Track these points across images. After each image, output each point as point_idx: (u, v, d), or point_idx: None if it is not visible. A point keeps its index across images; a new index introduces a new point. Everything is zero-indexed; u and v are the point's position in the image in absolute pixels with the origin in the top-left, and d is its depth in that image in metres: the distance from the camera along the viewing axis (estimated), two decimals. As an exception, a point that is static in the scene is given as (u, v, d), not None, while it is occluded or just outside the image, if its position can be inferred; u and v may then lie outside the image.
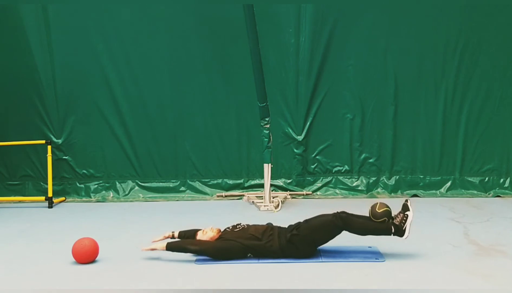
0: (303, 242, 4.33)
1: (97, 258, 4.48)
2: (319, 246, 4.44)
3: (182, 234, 4.69)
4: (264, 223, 4.75)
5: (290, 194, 7.37)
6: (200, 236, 4.55)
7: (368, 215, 4.38)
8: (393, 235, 4.28)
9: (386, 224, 4.31)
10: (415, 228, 5.44)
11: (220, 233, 4.55)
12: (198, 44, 7.25)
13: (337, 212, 4.37)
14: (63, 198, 7.58)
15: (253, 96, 6.82)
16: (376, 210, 4.35)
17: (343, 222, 4.28)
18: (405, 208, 4.37)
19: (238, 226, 4.55)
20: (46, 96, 7.51)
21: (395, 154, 7.46)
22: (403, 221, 4.27)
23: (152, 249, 4.51)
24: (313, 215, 4.58)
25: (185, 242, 4.51)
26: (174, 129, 7.53)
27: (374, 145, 7.46)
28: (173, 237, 4.68)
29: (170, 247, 4.44)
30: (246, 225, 4.56)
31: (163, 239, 4.65)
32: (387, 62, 7.26)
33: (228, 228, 4.59)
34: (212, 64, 7.31)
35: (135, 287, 3.85)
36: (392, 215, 4.38)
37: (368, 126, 7.43)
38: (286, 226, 4.57)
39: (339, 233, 4.36)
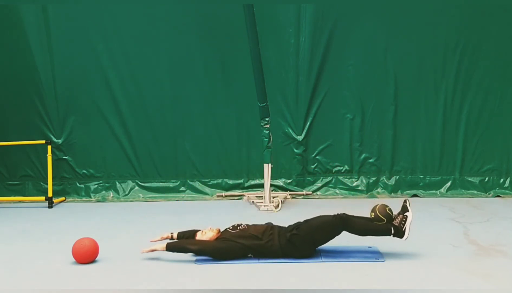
0: (303, 242, 4.33)
1: (97, 258, 4.48)
2: (318, 246, 4.44)
3: (181, 235, 4.68)
4: (264, 223, 4.74)
5: (290, 194, 7.37)
6: (199, 237, 4.55)
7: (369, 216, 4.38)
8: (393, 236, 4.30)
9: (386, 225, 4.32)
10: (415, 228, 5.45)
11: (220, 233, 4.55)
12: (198, 44, 7.25)
13: (338, 213, 4.37)
14: (63, 198, 7.58)
15: (253, 96, 6.82)
16: (377, 211, 4.35)
17: (343, 222, 4.28)
18: (405, 209, 4.38)
19: (238, 227, 4.55)
20: (46, 96, 7.51)
21: (395, 154, 7.46)
22: (403, 222, 4.29)
23: (152, 250, 4.51)
24: (313, 215, 4.57)
25: (185, 242, 4.51)
26: (174, 129, 7.53)
27: (374, 145, 7.47)
28: (171, 238, 4.68)
29: (169, 247, 4.44)
30: (246, 225, 4.56)
31: (161, 240, 4.64)
32: (387, 62, 7.26)
33: (229, 228, 4.59)
34: (212, 64, 7.32)
35: (135, 287, 3.85)
36: (392, 216, 4.38)
37: (368, 126, 7.43)
38: (286, 226, 4.57)
39: (339, 233, 4.36)
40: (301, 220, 4.53)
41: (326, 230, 4.33)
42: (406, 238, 4.28)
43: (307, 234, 4.33)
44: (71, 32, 7.31)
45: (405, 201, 4.45)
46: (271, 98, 6.94)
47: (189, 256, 4.50)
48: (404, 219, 4.30)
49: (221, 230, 4.60)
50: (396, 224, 4.30)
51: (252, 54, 6.40)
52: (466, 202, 6.95)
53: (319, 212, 4.53)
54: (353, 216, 4.38)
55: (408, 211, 4.35)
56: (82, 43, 7.33)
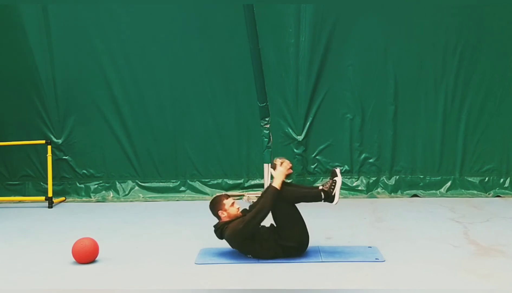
0: (290, 239, 4.32)
1: (97, 258, 4.48)
2: (301, 228, 4.37)
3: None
4: (264, 223, 4.72)
5: (290, 194, 7.36)
6: (227, 203, 4.42)
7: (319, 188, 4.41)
8: (324, 201, 4.36)
9: (316, 191, 4.39)
10: (415, 228, 5.47)
11: (239, 213, 4.47)
12: (198, 44, 7.25)
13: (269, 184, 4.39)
14: (63, 198, 7.58)
15: (253, 96, 6.83)
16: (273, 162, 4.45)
17: (280, 194, 4.28)
18: (333, 174, 4.43)
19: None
20: (46, 96, 7.51)
21: (395, 154, 7.46)
22: (332, 187, 4.36)
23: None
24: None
25: (270, 205, 4.31)
26: (174, 130, 7.53)
27: (374, 145, 7.46)
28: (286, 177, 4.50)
29: (271, 193, 4.29)
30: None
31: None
32: (387, 62, 7.26)
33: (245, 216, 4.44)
34: (212, 64, 7.31)
35: (135, 287, 3.86)
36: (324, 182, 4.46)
37: (368, 126, 7.43)
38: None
39: (290, 205, 4.33)
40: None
41: (283, 212, 4.32)
42: (336, 203, 4.36)
43: (283, 230, 4.33)
44: (71, 32, 7.31)
45: (334, 168, 4.50)
46: (271, 98, 6.94)
47: (189, 255, 4.50)
48: (333, 184, 4.37)
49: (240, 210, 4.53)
50: (326, 189, 4.36)
51: (252, 54, 6.40)
52: (466, 202, 6.95)
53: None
54: (287, 184, 4.40)
55: (337, 175, 4.40)
56: (82, 43, 7.33)
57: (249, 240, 4.32)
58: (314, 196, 4.39)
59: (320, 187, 4.44)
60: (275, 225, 4.46)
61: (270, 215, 4.32)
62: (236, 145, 7.54)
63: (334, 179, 4.40)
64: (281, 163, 4.44)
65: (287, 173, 4.42)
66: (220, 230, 4.41)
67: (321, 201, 4.37)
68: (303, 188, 4.66)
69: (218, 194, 4.52)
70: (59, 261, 4.48)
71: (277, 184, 4.33)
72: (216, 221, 4.54)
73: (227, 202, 4.46)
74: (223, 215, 4.43)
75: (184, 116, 7.49)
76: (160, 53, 7.33)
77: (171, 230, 5.65)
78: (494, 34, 7.11)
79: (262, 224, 4.40)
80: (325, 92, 7.37)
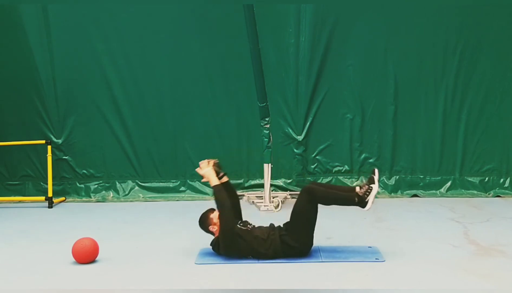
0: (294, 238, 4.32)
1: (97, 258, 4.48)
2: (309, 232, 4.38)
3: (225, 187, 4.60)
4: (264, 223, 4.71)
5: (290, 194, 7.36)
6: (214, 215, 4.46)
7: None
8: (356, 205, 4.35)
9: (350, 195, 4.38)
10: (415, 228, 5.47)
11: None
12: (198, 44, 7.25)
13: (305, 186, 4.40)
14: (63, 198, 7.58)
15: (253, 96, 6.82)
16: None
17: (311, 195, 4.31)
18: (371, 180, 4.41)
19: (247, 225, 4.50)
20: (46, 96, 7.51)
21: (395, 154, 7.46)
22: (367, 193, 4.34)
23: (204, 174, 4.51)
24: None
25: (226, 196, 4.42)
26: (174, 130, 7.53)
27: (374, 145, 7.46)
28: (218, 174, 4.61)
29: (215, 191, 4.44)
30: (253, 225, 4.53)
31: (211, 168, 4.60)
32: (387, 62, 7.26)
33: (239, 223, 4.51)
34: (212, 64, 7.31)
35: (135, 287, 3.86)
36: (361, 184, 4.46)
37: (368, 126, 7.43)
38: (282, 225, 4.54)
39: (314, 206, 4.34)
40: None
41: (303, 210, 4.33)
42: (368, 209, 4.33)
43: (293, 226, 4.33)
44: (71, 32, 7.31)
45: (373, 172, 4.47)
46: (271, 98, 6.93)
47: (189, 255, 4.50)
48: (369, 190, 4.34)
49: None
50: (360, 194, 4.34)
51: (252, 54, 6.40)
52: (466, 202, 6.95)
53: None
54: (320, 185, 4.43)
55: (374, 182, 4.38)
56: (82, 43, 7.33)
57: (244, 242, 4.32)
58: (347, 200, 4.38)
59: (357, 189, 4.43)
60: (281, 225, 4.48)
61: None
62: (236, 146, 7.53)
63: (371, 185, 4.37)
64: (203, 165, 4.58)
65: (213, 167, 4.55)
66: (218, 245, 4.42)
67: (354, 205, 4.36)
68: (339, 189, 4.58)
69: (203, 212, 4.54)
70: (59, 261, 4.48)
71: (213, 182, 4.49)
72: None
73: (214, 215, 4.48)
74: (214, 229, 4.45)
75: (184, 116, 7.49)
76: (160, 53, 7.32)
77: (171, 230, 5.65)
78: (494, 34, 7.11)
79: (260, 224, 4.45)
80: (325, 92, 7.37)
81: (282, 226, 4.50)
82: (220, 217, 4.38)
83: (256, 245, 4.33)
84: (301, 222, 4.36)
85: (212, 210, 4.54)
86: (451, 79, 7.26)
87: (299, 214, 4.36)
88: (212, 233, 4.48)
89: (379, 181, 4.44)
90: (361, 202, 4.33)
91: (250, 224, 4.53)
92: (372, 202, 4.32)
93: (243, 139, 7.52)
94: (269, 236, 4.37)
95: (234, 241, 4.33)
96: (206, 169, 4.59)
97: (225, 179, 4.72)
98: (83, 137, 7.61)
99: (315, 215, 4.38)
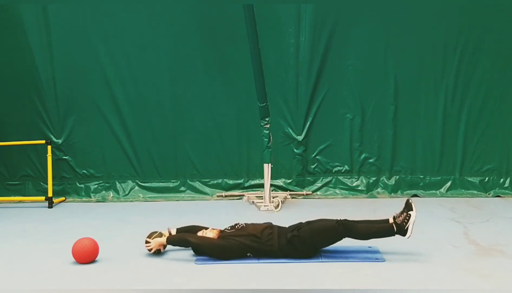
0: (303, 244, 4.32)
1: (97, 258, 4.48)
2: (318, 249, 4.45)
3: (181, 230, 4.71)
4: (264, 223, 4.74)
5: (290, 194, 7.37)
6: (200, 234, 4.56)
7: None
8: (396, 234, 4.29)
9: (388, 226, 4.31)
10: (415, 228, 5.46)
11: (219, 234, 4.55)
12: (198, 44, 7.25)
13: (340, 219, 4.36)
14: (63, 198, 7.58)
15: (253, 96, 6.82)
16: None
17: (346, 229, 4.28)
18: (409, 207, 4.35)
19: (235, 226, 4.55)
20: (46, 96, 7.51)
21: (395, 154, 7.46)
22: (406, 221, 4.27)
23: (156, 250, 4.52)
24: (313, 215, 4.57)
25: (186, 235, 4.54)
26: (174, 129, 7.53)
27: (374, 145, 7.46)
28: (170, 234, 4.69)
29: (170, 240, 4.50)
30: (245, 224, 4.56)
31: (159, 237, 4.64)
32: (387, 62, 7.26)
33: (226, 229, 4.59)
34: (212, 64, 7.31)
35: (135, 287, 3.85)
36: (395, 214, 4.38)
37: (368, 126, 7.43)
38: (286, 226, 4.57)
39: (340, 239, 4.36)
40: (302, 221, 4.53)
41: (327, 235, 4.33)
42: (409, 237, 4.26)
43: (308, 237, 4.32)
44: (71, 32, 7.31)
45: (409, 200, 4.41)
46: (271, 98, 6.93)
47: (189, 255, 4.50)
48: (407, 218, 4.29)
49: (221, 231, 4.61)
50: (399, 222, 4.29)
51: (252, 54, 6.40)
52: (466, 202, 6.95)
53: (319, 212, 4.54)
54: (355, 221, 4.36)
55: (412, 209, 4.31)
56: (82, 43, 7.33)
57: (236, 241, 4.35)
58: (386, 232, 4.33)
59: (391, 221, 4.35)
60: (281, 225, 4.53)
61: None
62: (236, 146, 7.53)
63: (409, 212, 4.31)
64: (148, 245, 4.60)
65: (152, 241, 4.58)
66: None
67: (394, 235, 4.31)
68: (374, 223, 4.47)
69: (194, 247, 4.58)
70: (59, 261, 4.48)
71: (165, 241, 4.56)
72: None
73: (201, 234, 4.56)
74: (214, 232, 4.54)
75: (184, 116, 7.49)
76: (160, 53, 7.32)
77: (166, 227, 5.63)
78: (494, 34, 7.11)
79: (255, 222, 4.57)
80: (325, 92, 7.37)
81: (291, 227, 4.49)
82: (204, 249, 4.41)
83: (248, 241, 4.35)
84: (318, 241, 4.37)
85: (198, 229, 4.67)
86: (451, 79, 7.26)
87: (321, 235, 4.34)
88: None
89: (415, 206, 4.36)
90: (401, 230, 4.27)
91: (238, 224, 4.57)
92: (412, 229, 4.25)
93: (243, 139, 7.52)
94: (264, 232, 4.39)
95: (224, 248, 4.36)
96: (150, 244, 4.58)
97: (171, 231, 4.77)
98: (83, 137, 7.61)
99: (334, 242, 4.41)
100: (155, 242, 4.57)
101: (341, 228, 4.27)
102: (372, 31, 7.18)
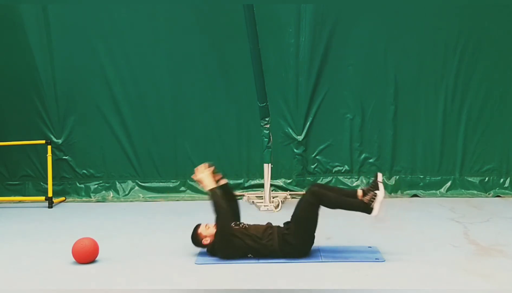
0: (296, 237, 4.33)
1: (97, 258, 4.48)
2: (312, 234, 4.40)
3: (223, 189, 4.66)
4: (264, 223, 4.73)
5: (290, 194, 7.37)
6: (202, 229, 4.50)
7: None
8: (363, 211, 4.34)
9: (356, 201, 4.38)
10: (415, 228, 5.48)
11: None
12: (198, 44, 7.25)
13: (311, 187, 4.40)
14: (63, 198, 7.58)
15: (253, 96, 6.82)
16: None
17: (316, 197, 4.30)
18: (375, 186, 4.39)
19: (240, 225, 4.53)
20: (46, 96, 7.51)
21: (395, 154, 7.46)
22: (372, 199, 4.31)
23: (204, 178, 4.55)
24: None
25: (223, 202, 4.46)
26: (174, 129, 7.53)
27: (374, 145, 7.46)
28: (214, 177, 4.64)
29: (211, 194, 4.47)
30: (247, 224, 4.55)
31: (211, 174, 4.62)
32: (387, 62, 7.26)
33: (233, 223, 4.54)
34: (212, 64, 7.31)
35: (135, 287, 3.85)
36: (364, 188, 4.46)
37: (368, 126, 7.43)
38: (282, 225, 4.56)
39: (317, 209, 4.35)
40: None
41: (307, 211, 4.34)
42: (375, 215, 4.31)
43: (296, 228, 4.33)
44: (71, 32, 7.31)
45: (377, 177, 4.45)
46: (271, 98, 6.93)
47: (189, 255, 4.50)
48: (373, 197, 4.32)
49: None
50: (366, 201, 4.32)
51: (252, 54, 6.40)
52: (466, 202, 6.95)
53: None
54: (326, 189, 4.41)
55: (378, 189, 4.35)
56: (82, 43, 7.33)
57: (240, 240, 4.34)
58: (355, 208, 4.37)
59: (360, 194, 4.42)
60: (280, 225, 4.50)
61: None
62: (236, 146, 7.53)
63: (375, 192, 4.34)
64: (199, 170, 4.61)
65: (209, 172, 4.58)
66: (213, 249, 4.44)
67: (360, 211, 4.35)
68: (343, 194, 4.54)
69: (192, 231, 4.55)
70: (59, 261, 4.48)
71: (209, 186, 4.51)
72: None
73: (202, 228, 4.50)
74: (207, 240, 4.46)
75: (184, 116, 7.49)
76: (160, 53, 7.32)
77: (171, 230, 5.65)
78: (494, 34, 7.11)
79: (256, 223, 4.52)
80: (325, 92, 7.37)
81: (282, 225, 4.51)
82: (216, 219, 4.38)
83: (251, 242, 4.34)
84: (304, 223, 4.36)
85: (198, 226, 4.56)
86: (451, 79, 7.26)
87: (302, 215, 4.37)
88: (206, 246, 4.49)
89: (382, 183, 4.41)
90: (367, 208, 4.31)
91: (243, 223, 4.55)
92: (379, 208, 4.28)
93: (243, 139, 7.52)
94: (265, 233, 4.39)
95: (229, 241, 4.35)
96: (202, 174, 4.59)
97: (223, 181, 4.74)
98: (83, 137, 7.61)
99: (317, 216, 4.39)
100: (204, 177, 4.57)
101: (313, 199, 4.30)
102: (372, 31, 7.18)
